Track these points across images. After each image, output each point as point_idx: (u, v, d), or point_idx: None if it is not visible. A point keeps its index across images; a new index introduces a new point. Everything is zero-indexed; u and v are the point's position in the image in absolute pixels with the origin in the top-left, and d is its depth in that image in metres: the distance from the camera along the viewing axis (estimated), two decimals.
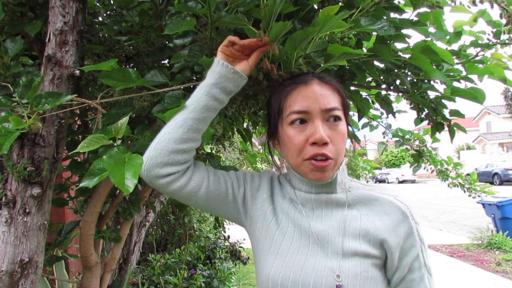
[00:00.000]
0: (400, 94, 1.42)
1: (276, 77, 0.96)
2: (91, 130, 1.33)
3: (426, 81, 1.33)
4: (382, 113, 2.22)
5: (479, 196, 2.46)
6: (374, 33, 1.18)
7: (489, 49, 1.34)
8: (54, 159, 1.10)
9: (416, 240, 0.86)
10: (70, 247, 2.96)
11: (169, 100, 0.98)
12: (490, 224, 7.14)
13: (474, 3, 1.17)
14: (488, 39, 1.38)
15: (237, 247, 4.34)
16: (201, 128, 0.90)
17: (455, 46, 1.40)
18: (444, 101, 1.35)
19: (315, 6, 1.13)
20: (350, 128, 0.95)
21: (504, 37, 1.35)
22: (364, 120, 2.17)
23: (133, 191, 1.61)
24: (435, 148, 2.36)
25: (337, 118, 0.86)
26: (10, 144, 0.86)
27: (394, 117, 1.58)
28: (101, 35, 1.27)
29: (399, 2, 1.20)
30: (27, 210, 1.03)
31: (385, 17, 1.06)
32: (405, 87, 1.28)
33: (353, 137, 1.57)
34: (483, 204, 7.06)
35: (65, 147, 1.18)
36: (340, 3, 1.16)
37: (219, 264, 3.90)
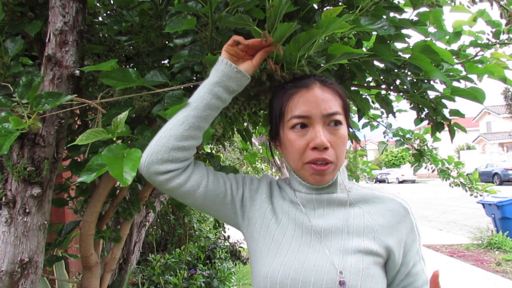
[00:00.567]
0: (400, 94, 1.42)
1: (279, 78, 0.97)
2: None
3: (426, 81, 1.33)
4: (382, 113, 2.22)
5: (480, 195, 2.47)
6: (374, 33, 1.18)
7: (489, 49, 1.34)
8: (54, 159, 1.10)
9: (416, 235, 0.89)
10: (70, 247, 2.97)
11: (169, 100, 0.98)
12: (490, 224, 7.14)
13: (473, 2, 1.17)
14: (487, 39, 1.38)
15: (237, 247, 4.34)
16: (203, 126, 0.90)
17: (454, 46, 1.40)
18: (444, 101, 1.35)
19: (315, 6, 1.14)
20: (350, 130, 0.96)
21: (503, 37, 1.35)
22: (364, 120, 2.17)
23: (133, 191, 1.63)
24: (436, 148, 2.36)
25: (337, 123, 0.87)
26: (10, 144, 0.86)
27: (394, 116, 1.58)
28: (101, 35, 1.27)
29: (399, 1, 1.20)
30: (27, 210, 1.03)
31: (385, 17, 1.06)
32: (405, 87, 1.28)
33: (353, 137, 1.57)
34: (483, 204, 7.06)
35: (65, 147, 1.18)
36: (340, 3, 1.16)
37: (219, 264, 3.90)
